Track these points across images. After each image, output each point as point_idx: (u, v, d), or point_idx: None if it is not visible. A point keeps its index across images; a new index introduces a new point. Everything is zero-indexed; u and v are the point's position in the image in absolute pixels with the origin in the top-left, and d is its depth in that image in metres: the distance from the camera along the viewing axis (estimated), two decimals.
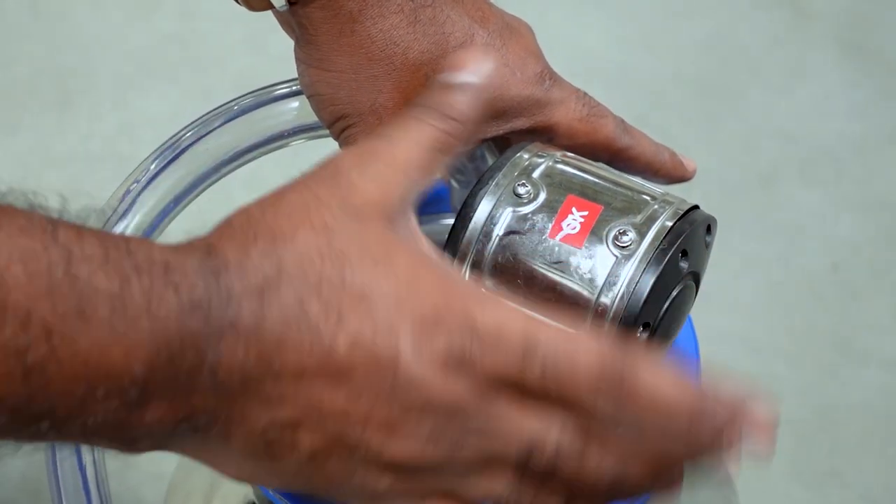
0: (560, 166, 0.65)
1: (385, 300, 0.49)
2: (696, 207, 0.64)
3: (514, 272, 0.62)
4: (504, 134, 0.68)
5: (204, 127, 0.71)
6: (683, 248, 0.62)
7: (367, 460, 0.50)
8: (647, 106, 1.62)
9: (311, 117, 0.69)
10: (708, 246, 0.65)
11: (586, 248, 0.62)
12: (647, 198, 0.63)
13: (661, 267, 0.61)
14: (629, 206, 0.63)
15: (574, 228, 0.62)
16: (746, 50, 1.70)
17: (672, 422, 0.50)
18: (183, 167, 0.71)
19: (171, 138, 0.71)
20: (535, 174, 0.64)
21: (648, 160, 0.70)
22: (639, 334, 0.62)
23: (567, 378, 0.50)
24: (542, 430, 0.50)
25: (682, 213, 0.63)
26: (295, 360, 0.49)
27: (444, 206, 0.80)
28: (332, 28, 0.65)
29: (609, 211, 0.62)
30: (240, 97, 0.72)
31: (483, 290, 0.52)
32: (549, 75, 0.68)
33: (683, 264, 0.63)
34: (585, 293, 0.61)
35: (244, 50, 1.67)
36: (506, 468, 0.51)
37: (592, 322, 0.61)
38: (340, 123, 0.66)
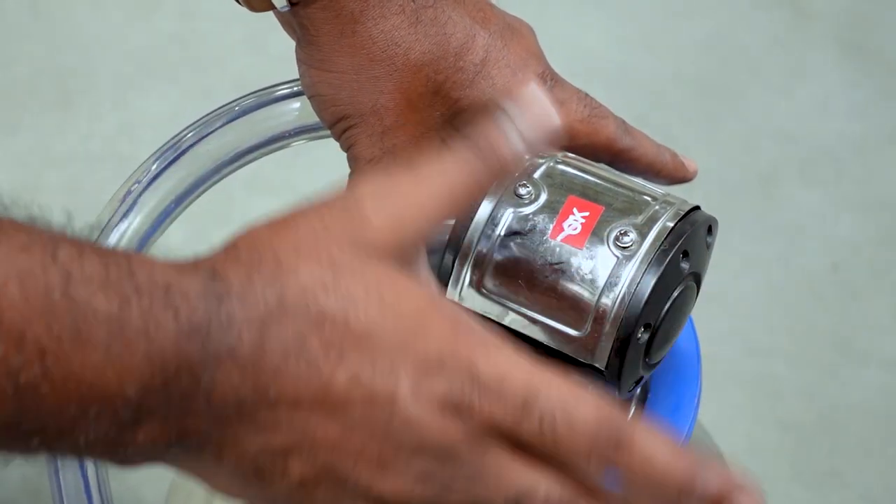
0: (561, 167, 0.65)
1: (388, 343, 0.49)
2: (697, 208, 0.64)
3: (515, 273, 0.62)
4: None
5: (205, 127, 0.71)
6: (685, 249, 0.62)
7: (356, 494, 0.50)
8: (647, 106, 1.62)
9: (312, 118, 0.69)
10: (709, 247, 0.65)
11: (587, 248, 0.62)
12: (649, 198, 0.63)
13: (662, 268, 0.61)
14: (630, 206, 0.63)
15: (575, 229, 0.62)
16: (746, 50, 1.70)
17: (663, 490, 0.50)
18: (184, 168, 0.70)
19: (172, 139, 0.71)
20: (536, 175, 0.64)
21: (650, 161, 0.70)
22: (640, 335, 0.62)
23: (564, 435, 0.49)
24: (533, 484, 0.50)
25: (683, 213, 0.63)
26: (292, 389, 0.49)
27: None
28: (333, 29, 0.65)
29: (610, 212, 0.62)
30: (241, 98, 0.72)
31: (491, 336, 0.51)
32: (550, 76, 0.68)
33: (684, 265, 0.63)
34: (586, 294, 0.61)
35: (244, 50, 1.67)
36: None
37: (593, 323, 0.61)
38: (342, 124, 0.66)
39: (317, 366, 0.49)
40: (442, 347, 0.50)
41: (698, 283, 0.65)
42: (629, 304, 0.61)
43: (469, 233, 0.63)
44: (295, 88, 0.71)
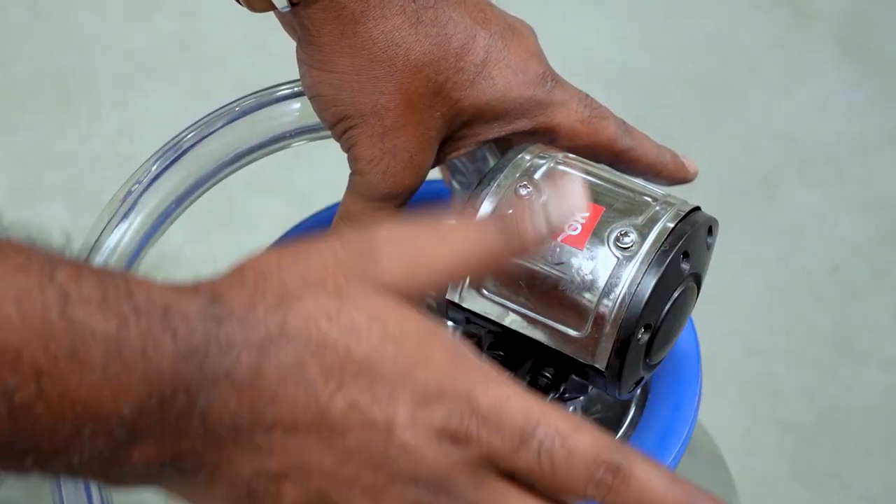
0: (562, 167, 0.65)
1: (389, 371, 0.49)
2: (697, 209, 0.64)
3: (515, 274, 0.62)
4: (506, 135, 0.68)
5: (206, 128, 0.71)
6: (685, 250, 0.62)
7: None
8: (647, 106, 1.62)
9: (312, 118, 0.69)
10: (709, 247, 0.65)
11: (588, 249, 0.62)
12: (649, 199, 0.63)
13: (662, 268, 0.61)
14: (631, 207, 0.63)
15: (576, 230, 0.62)
16: (746, 50, 1.70)
17: None
18: (184, 168, 0.70)
19: (172, 139, 0.71)
20: (537, 175, 0.64)
21: (650, 162, 0.70)
22: (640, 336, 0.62)
23: (562, 464, 0.49)
24: None
25: (683, 214, 0.63)
26: (289, 414, 0.49)
27: (446, 208, 0.80)
28: (333, 29, 0.65)
29: (611, 212, 0.62)
30: (241, 98, 0.72)
31: (490, 369, 0.51)
32: (550, 77, 0.68)
33: (685, 266, 0.63)
34: (587, 295, 0.61)
35: (245, 50, 1.67)
36: None
37: (594, 323, 0.61)
38: (342, 125, 0.66)
39: (315, 391, 0.49)
40: (442, 377, 0.50)
41: (699, 283, 0.65)
42: (629, 305, 0.61)
43: None
44: (295, 89, 0.71)
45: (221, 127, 0.71)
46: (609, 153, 0.69)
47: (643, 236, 0.62)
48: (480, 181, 0.64)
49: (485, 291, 0.63)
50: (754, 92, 1.66)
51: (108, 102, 1.63)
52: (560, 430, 0.50)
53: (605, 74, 1.66)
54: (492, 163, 0.72)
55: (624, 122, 0.70)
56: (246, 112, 0.71)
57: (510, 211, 0.53)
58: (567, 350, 0.62)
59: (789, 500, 1.34)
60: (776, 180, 1.58)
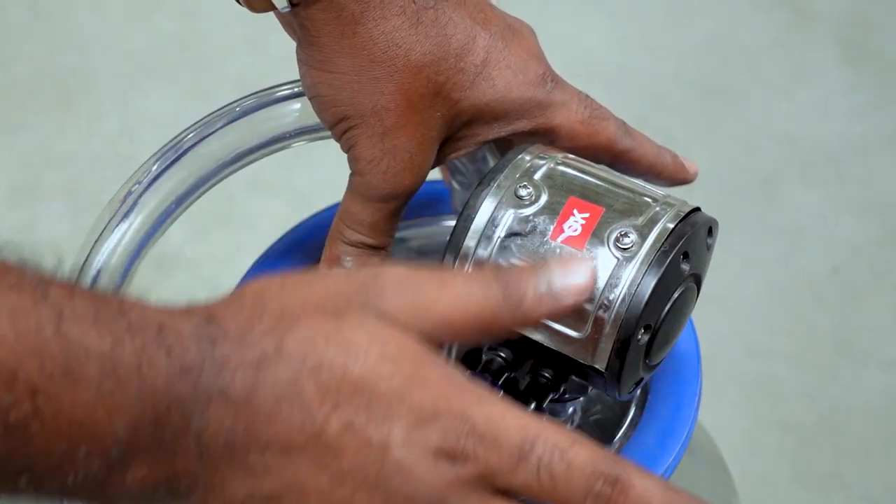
0: (561, 168, 0.65)
1: (384, 391, 0.49)
2: (697, 209, 0.64)
3: None
4: (506, 136, 0.68)
5: (206, 128, 0.71)
6: (685, 251, 0.62)
7: None
8: (647, 107, 1.62)
9: (312, 119, 0.69)
10: (709, 248, 0.65)
11: (588, 250, 0.62)
12: (649, 200, 0.63)
13: (662, 269, 0.61)
14: (631, 208, 0.63)
15: (575, 230, 0.62)
16: (747, 51, 1.70)
17: None
18: (185, 168, 0.70)
19: (172, 139, 0.71)
20: (537, 176, 0.64)
21: (650, 163, 0.70)
22: (640, 336, 0.62)
23: (561, 477, 0.49)
24: None
25: (683, 215, 0.63)
26: (284, 434, 0.48)
27: (446, 208, 0.80)
28: (334, 30, 0.65)
29: (610, 213, 0.62)
30: (241, 98, 0.71)
31: (485, 390, 0.51)
32: (550, 77, 0.68)
33: (685, 266, 0.63)
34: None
35: (245, 50, 1.67)
36: None
37: (594, 324, 0.61)
38: (342, 125, 0.66)
39: (310, 412, 0.49)
40: (437, 397, 0.50)
41: (699, 284, 0.65)
42: (629, 306, 0.61)
43: (469, 234, 0.63)
44: (296, 89, 0.71)
45: (222, 127, 0.71)
46: (609, 154, 0.69)
47: (643, 237, 0.62)
48: (480, 181, 0.64)
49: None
50: (755, 93, 1.66)
51: (108, 102, 1.63)
52: (558, 445, 0.50)
53: (606, 75, 1.66)
54: (492, 163, 0.72)
55: (624, 123, 0.70)
56: (246, 112, 0.71)
57: (515, 269, 0.52)
58: (567, 350, 0.62)
59: (789, 500, 1.34)
60: (776, 181, 1.58)
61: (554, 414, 0.71)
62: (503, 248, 0.63)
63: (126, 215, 0.70)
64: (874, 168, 1.59)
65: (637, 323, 0.61)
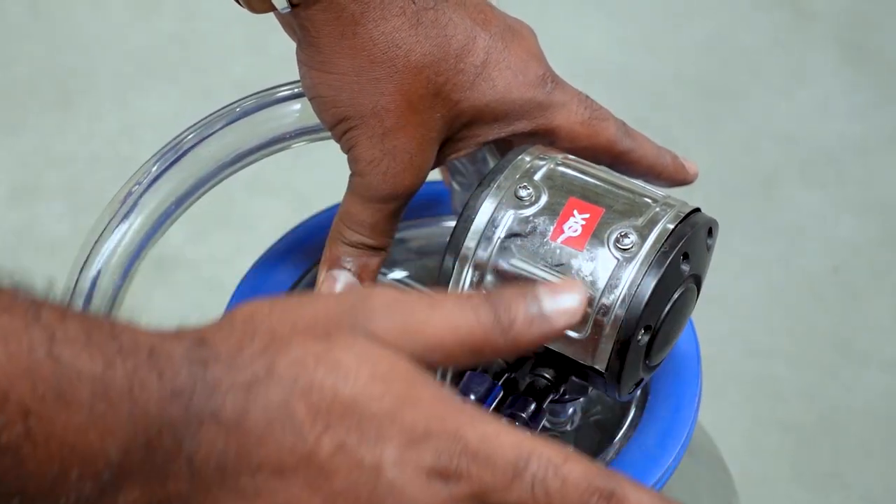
0: (561, 169, 0.65)
1: (376, 411, 0.49)
2: (697, 210, 0.64)
3: (515, 275, 0.62)
4: (506, 136, 0.68)
5: (206, 129, 0.71)
6: (685, 251, 0.62)
7: None
8: (647, 107, 1.62)
9: (312, 119, 0.69)
10: (709, 249, 0.65)
11: (588, 250, 0.62)
12: (649, 200, 0.63)
13: (662, 270, 0.61)
14: (631, 208, 0.63)
15: (576, 231, 0.62)
16: (747, 51, 1.70)
17: None
18: (185, 169, 0.70)
19: (172, 140, 0.71)
20: (537, 177, 0.64)
21: (650, 163, 0.70)
22: (640, 337, 0.62)
23: (556, 493, 0.49)
24: None
25: (683, 215, 0.63)
26: (275, 456, 0.48)
27: (446, 209, 0.80)
28: (333, 30, 0.65)
29: (610, 214, 0.62)
30: (241, 99, 0.71)
31: (476, 409, 0.51)
32: (551, 78, 0.68)
33: (685, 267, 0.63)
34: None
35: (245, 51, 1.67)
36: None
37: (594, 325, 0.61)
38: (342, 126, 0.66)
39: (302, 433, 0.48)
40: (429, 417, 0.49)
41: (699, 285, 0.65)
42: (629, 307, 0.61)
43: (469, 234, 0.63)
44: (296, 90, 0.71)
45: (222, 128, 0.71)
46: (609, 155, 0.69)
47: (643, 238, 0.62)
48: (480, 182, 0.64)
49: (485, 293, 0.63)
50: (755, 93, 1.66)
51: (108, 103, 1.63)
52: (552, 461, 0.49)
53: (606, 76, 1.66)
54: (492, 164, 0.72)
55: (624, 124, 0.70)
56: (246, 113, 0.71)
57: (506, 292, 0.52)
58: (567, 351, 0.62)
59: (789, 501, 1.34)
60: (776, 181, 1.58)
61: (554, 414, 0.71)
62: (503, 248, 0.63)
63: (126, 216, 0.70)
64: (874, 168, 1.59)
65: (637, 324, 0.61)
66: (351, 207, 0.68)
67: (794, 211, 1.55)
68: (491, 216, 0.63)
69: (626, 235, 0.62)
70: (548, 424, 0.71)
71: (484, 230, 0.63)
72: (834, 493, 1.34)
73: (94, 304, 0.69)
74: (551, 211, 0.63)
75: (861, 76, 1.67)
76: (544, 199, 0.63)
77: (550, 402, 0.63)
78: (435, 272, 0.74)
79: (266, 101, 0.71)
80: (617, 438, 0.70)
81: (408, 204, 0.68)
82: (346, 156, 0.68)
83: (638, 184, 0.65)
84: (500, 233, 0.63)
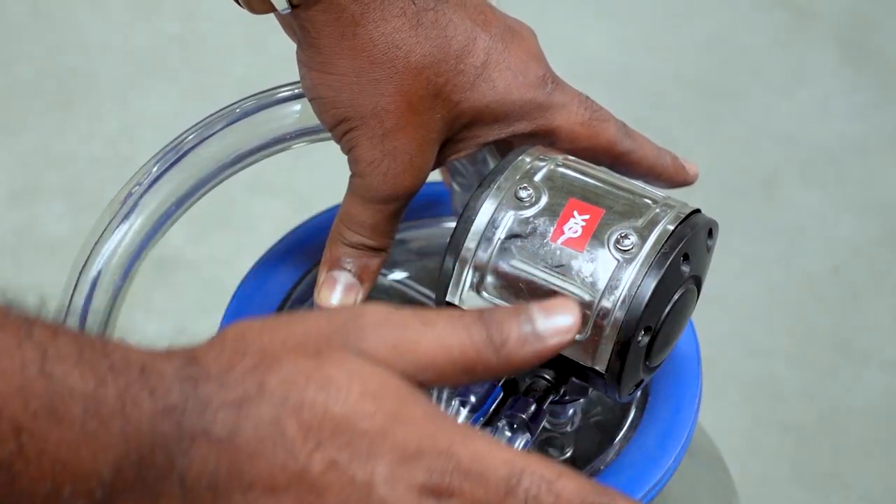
0: (562, 170, 0.65)
1: (367, 429, 0.49)
2: (697, 211, 0.64)
3: (515, 276, 0.62)
4: (506, 137, 0.68)
5: (206, 129, 0.71)
6: (685, 252, 0.62)
7: None
8: (647, 108, 1.62)
9: (313, 120, 0.69)
10: (709, 250, 0.65)
11: (588, 251, 0.62)
12: (649, 201, 0.63)
13: (662, 271, 0.61)
14: (631, 209, 0.63)
15: (576, 232, 0.62)
16: (747, 51, 1.70)
17: None
18: (185, 170, 0.70)
19: (172, 141, 0.71)
20: (537, 178, 0.64)
21: (650, 164, 0.70)
22: (640, 338, 0.62)
23: None
24: None
25: (683, 216, 0.63)
26: (267, 473, 0.48)
27: (446, 210, 0.80)
28: (334, 31, 0.65)
29: (611, 215, 0.62)
30: (242, 100, 0.71)
31: (468, 426, 0.51)
32: (551, 79, 0.68)
33: (685, 268, 0.63)
34: (587, 297, 0.61)
35: (245, 52, 1.67)
36: None
37: (594, 326, 0.61)
38: (342, 127, 0.66)
39: (293, 450, 0.48)
40: (421, 435, 0.49)
41: (699, 286, 0.65)
42: (630, 308, 0.61)
43: (469, 235, 0.63)
44: (296, 90, 0.71)
45: (222, 128, 0.71)
46: (609, 155, 0.69)
47: (643, 238, 0.62)
48: (480, 183, 0.64)
49: (485, 294, 0.63)
50: (755, 93, 1.66)
51: (108, 103, 1.63)
52: (545, 477, 0.49)
53: (606, 76, 1.66)
54: (492, 165, 0.72)
55: (624, 125, 0.70)
56: (246, 114, 0.71)
57: (498, 309, 0.53)
58: (567, 352, 0.62)
59: (790, 501, 1.34)
60: (776, 181, 1.58)
61: (554, 416, 0.71)
62: (503, 249, 0.63)
63: (126, 217, 0.70)
64: (874, 168, 1.59)
65: (637, 325, 0.61)
66: (351, 208, 0.68)
67: (794, 211, 1.55)
68: (491, 217, 0.63)
69: (626, 236, 0.62)
70: (548, 426, 0.71)
71: (484, 231, 0.63)
72: (834, 494, 1.34)
73: (95, 305, 0.69)
74: (551, 212, 0.63)
75: (861, 76, 1.67)
76: (544, 200, 0.63)
77: (550, 403, 0.63)
78: (435, 273, 0.74)
79: (266, 101, 0.71)
80: (617, 439, 0.70)
81: (408, 205, 0.68)
82: (346, 157, 0.68)
83: (638, 185, 0.65)
84: (501, 234, 0.63)
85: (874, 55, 1.69)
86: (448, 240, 0.64)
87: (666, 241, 0.62)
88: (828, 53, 1.69)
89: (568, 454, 0.70)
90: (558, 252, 0.62)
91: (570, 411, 0.71)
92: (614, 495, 0.50)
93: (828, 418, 1.39)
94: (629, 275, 0.61)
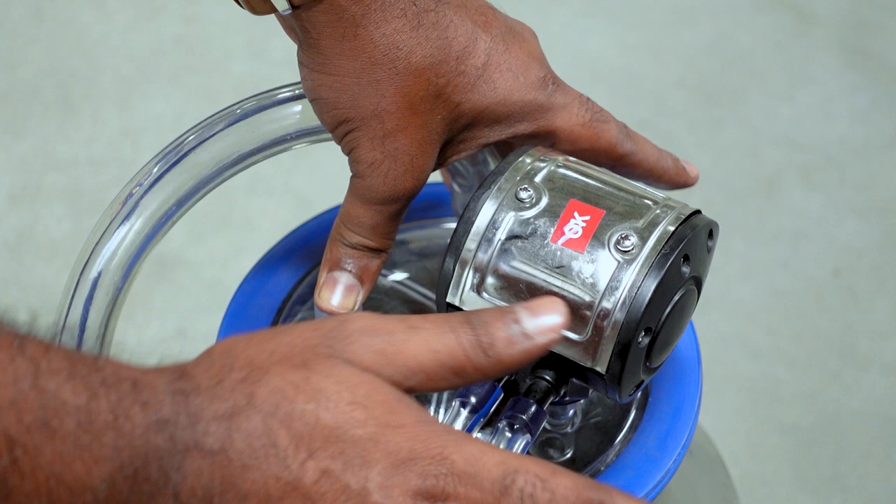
0: (562, 171, 0.65)
1: (359, 436, 0.49)
2: (697, 212, 0.64)
3: (516, 277, 0.62)
4: (506, 138, 0.68)
5: (206, 130, 0.71)
6: (685, 253, 0.62)
7: None
8: (650, 110, 1.62)
9: (313, 121, 0.69)
10: (710, 251, 0.65)
11: (588, 252, 0.62)
12: (649, 202, 0.63)
13: (662, 272, 0.61)
14: (631, 210, 0.63)
15: (576, 233, 0.62)
16: (749, 55, 1.70)
17: None
18: (185, 171, 0.70)
19: (173, 142, 0.71)
20: (538, 179, 0.64)
21: (651, 166, 0.70)
22: (640, 339, 0.62)
23: (545, 502, 0.49)
24: None
25: (683, 217, 0.63)
26: (261, 484, 0.49)
27: (446, 211, 0.80)
28: (334, 32, 0.65)
29: (611, 215, 0.62)
30: (242, 101, 0.71)
31: (458, 431, 0.51)
32: (552, 80, 0.68)
33: (685, 269, 0.63)
34: (587, 298, 0.61)
35: (246, 53, 1.67)
36: None
37: (594, 327, 0.61)
38: (343, 128, 0.66)
39: (286, 460, 0.49)
40: (413, 440, 0.50)
41: (699, 287, 0.65)
42: (630, 309, 0.61)
43: (470, 236, 0.63)
44: (296, 91, 0.71)
45: (222, 129, 0.71)
46: (610, 157, 0.69)
47: (644, 239, 0.62)
48: (481, 184, 0.64)
49: (485, 294, 0.63)
50: (757, 96, 1.66)
51: (110, 105, 1.63)
52: (539, 475, 0.50)
53: (608, 78, 1.66)
54: (492, 166, 0.72)
55: (625, 126, 0.70)
56: (247, 115, 0.71)
57: (485, 311, 0.53)
58: (567, 353, 0.62)
59: (790, 503, 1.34)
60: (778, 184, 1.58)
61: (554, 416, 0.71)
62: (504, 250, 0.63)
63: (127, 217, 0.70)
64: (876, 171, 1.59)
65: (637, 326, 0.61)
66: (351, 209, 0.68)
67: (795, 214, 1.55)
68: (491, 218, 0.63)
69: (626, 237, 0.62)
70: (548, 426, 0.71)
71: (484, 232, 0.63)
72: (834, 496, 1.34)
73: (95, 306, 0.69)
74: (552, 213, 0.63)
75: (862, 79, 1.67)
76: (545, 200, 0.63)
77: (551, 404, 0.63)
78: (435, 274, 0.74)
79: (267, 102, 0.71)
80: (617, 440, 0.70)
81: (409, 206, 0.68)
82: (346, 157, 0.68)
83: (638, 186, 0.65)
84: (501, 235, 0.63)
85: (876, 58, 1.69)
86: (448, 241, 0.64)
87: (666, 242, 0.62)
88: (829, 57, 1.69)
89: (568, 455, 0.70)
90: (559, 253, 0.62)
91: (571, 412, 0.71)
92: (610, 491, 0.50)
93: (828, 421, 1.39)
94: (630, 276, 0.61)
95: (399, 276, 0.78)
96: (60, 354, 0.48)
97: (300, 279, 0.77)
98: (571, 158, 0.66)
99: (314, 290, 0.69)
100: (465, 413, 0.61)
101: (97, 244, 0.70)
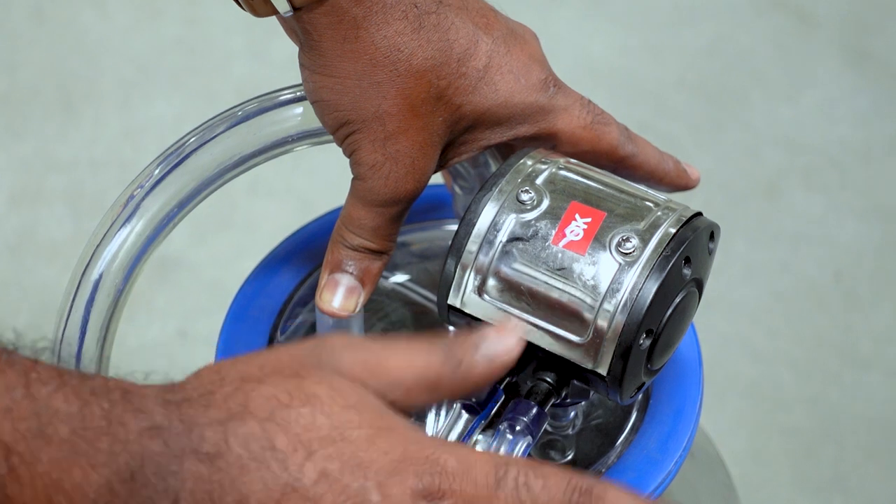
0: (563, 173, 0.65)
1: (356, 441, 0.50)
2: (699, 214, 0.64)
3: (517, 279, 0.62)
4: (508, 140, 0.68)
5: (208, 132, 0.71)
6: (686, 255, 0.62)
7: None
8: (650, 112, 1.62)
9: (314, 123, 0.69)
10: (711, 253, 0.65)
11: (589, 254, 0.62)
12: (651, 204, 0.63)
13: (664, 274, 0.61)
14: (632, 212, 0.63)
15: (577, 235, 0.62)
16: (750, 57, 1.70)
17: None
18: (186, 172, 0.70)
19: (174, 143, 0.71)
20: (539, 181, 0.64)
21: (652, 168, 0.70)
22: (642, 341, 0.62)
23: (541, 492, 0.50)
24: None
25: (685, 219, 0.63)
26: (261, 486, 0.49)
27: (448, 213, 0.80)
28: (336, 34, 0.65)
29: (612, 218, 0.62)
30: (244, 103, 0.71)
31: (446, 441, 0.54)
32: (553, 82, 0.68)
33: (686, 271, 0.63)
34: (589, 300, 0.61)
35: (247, 55, 1.67)
36: None
37: (595, 329, 0.61)
38: (344, 129, 0.66)
39: (284, 462, 0.49)
40: (406, 443, 0.51)
41: (700, 289, 0.65)
42: (631, 311, 0.61)
43: (471, 238, 0.63)
44: (297, 93, 0.71)
45: (224, 131, 0.71)
46: (611, 159, 0.69)
47: (645, 242, 0.62)
48: (482, 186, 0.64)
49: (486, 296, 0.63)
50: (758, 98, 1.66)
51: (111, 107, 1.63)
52: (530, 465, 0.51)
53: (610, 80, 1.66)
54: (494, 168, 0.72)
55: (626, 128, 0.70)
56: (248, 117, 0.71)
57: (458, 336, 0.55)
58: (569, 355, 0.62)
59: None
60: (779, 186, 1.57)
61: (555, 418, 0.71)
62: (505, 252, 0.63)
63: (128, 219, 0.70)
64: (877, 173, 1.59)
65: (639, 328, 0.61)
66: (353, 211, 0.68)
67: (796, 216, 1.55)
68: (493, 220, 0.63)
69: (627, 239, 0.62)
70: (549, 428, 0.71)
71: (486, 234, 0.63)
72: (835, 498, 1.34)
73: (97, 308, 0.69)
74: (553, 215, 0.63)
75: (864, 81, 1.67)
76: (546, 203, 0.63)
77: (552, 405, 0.64)
78: (437, 276, 0.74)
79: (268, 104, 0.71)
80: (618, 442, 0.70)
81: (410, 208, 0.68)
82: (347, 159, 0.68)
83: (640, 188, 0.65)
84: (502, 237, 0.63)
85: (877, 60, 1.69)
86: (450, 243, 0.64)
87: (668, 245, 0.62)
88: (830, 58, 1.69)
89: (569, 457, 0.70)
90: (560, 255, 0.62)
91: (572, 414, 0.71)
92: (599, 480, 0.52)
93: (829, 422, 1.39)
94: (631, 278, 0.61)
95: (400, 278, 0.78)
96: (48, 367, 0.48)
97: (301, 281, 0.77)
98: (573, 161, 0.66)
99: (315, 292, 0.69)
100: (466, 415, 0.61)
101: (98, 246, 0.70)
